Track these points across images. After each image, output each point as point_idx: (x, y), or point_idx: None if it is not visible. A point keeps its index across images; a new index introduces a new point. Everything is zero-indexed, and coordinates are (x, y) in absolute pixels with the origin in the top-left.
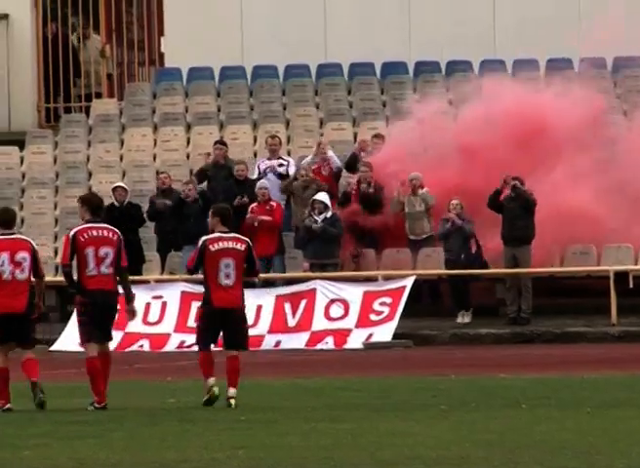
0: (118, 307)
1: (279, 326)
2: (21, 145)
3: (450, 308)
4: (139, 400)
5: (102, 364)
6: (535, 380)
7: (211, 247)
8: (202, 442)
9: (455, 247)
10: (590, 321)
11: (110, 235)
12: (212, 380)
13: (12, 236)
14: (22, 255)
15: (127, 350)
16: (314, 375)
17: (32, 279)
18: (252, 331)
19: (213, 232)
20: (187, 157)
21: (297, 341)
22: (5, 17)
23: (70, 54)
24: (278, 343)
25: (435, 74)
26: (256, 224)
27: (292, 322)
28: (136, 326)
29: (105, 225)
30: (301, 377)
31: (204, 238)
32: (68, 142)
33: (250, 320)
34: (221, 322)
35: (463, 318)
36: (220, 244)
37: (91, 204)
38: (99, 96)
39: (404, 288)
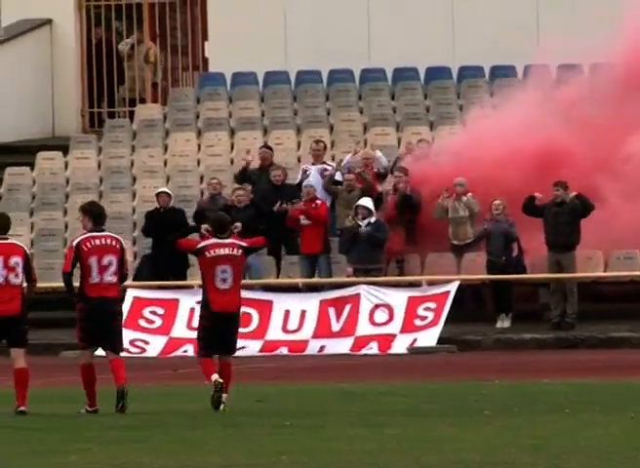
0: (122, 314)
1: (323, 331)
2: (65, 150)
3: (492, 313)
4: (182, 404)
5: (115, 368)
6: (578, 385)
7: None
8: (246, 447)
9: (496, 248)
10: (634, 326)
11: (113, 243)
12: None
13: (6, 241)
14: (16, 260)
15: (171, 355)
16: (358, 380)
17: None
18: (296, 336)
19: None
20: (231, 162)
21: (341, 346)
22: (49, 22)
23: (115, 58)
24: (322, 348)
25: (479, 79)
26: (303, 221)
27: (336, 327)
28: (180, 331)
29: (108, 234)
30: (346, 382)
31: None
32: (112, 147)
33: (294, 325)
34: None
35: (503, 322)
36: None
37: (92, 213)
38: (143, 101)
39: (448, 293)
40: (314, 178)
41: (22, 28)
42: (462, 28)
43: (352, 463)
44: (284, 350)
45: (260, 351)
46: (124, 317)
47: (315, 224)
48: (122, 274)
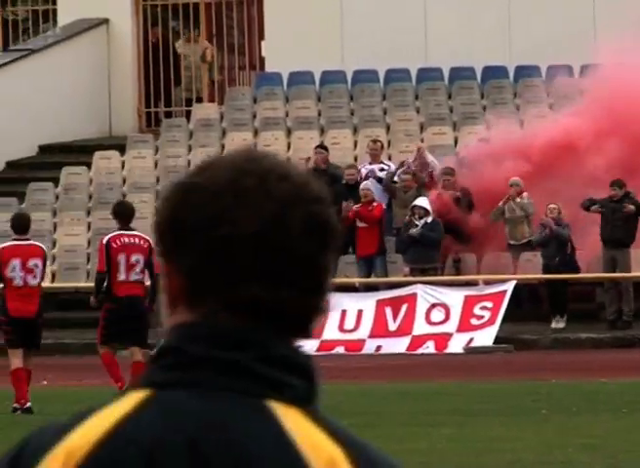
0: (147, 312)
1: (380, 330)
2: (122, 150)
3: (548, 313)
4: None
5: (135, 373)
6: (635, 385)
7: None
8: None
9: (551, 252)
10: None
11: (141, 242)
12: None
13: (26, 242)
14: (35, 262)
15: None
16: (414, 380)
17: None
18: (353, 336)
19: None
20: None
21: (397, 346)
22: (106, 21)
23: (171, 58)
24: (379, 348)
25: (535, 78)
26: (351, 205)
27: (393, 326)
28: None
29: (137, 233)
30: (402, 382)
31: None
32: (169, 147)
33: (351, 324)
34: None
35: (557, 323)
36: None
37: (119, 213)
38: (199, 100)
39: (505, 292)
40: (370, 179)
41: (79, 28)
42: (519, 27)
43: (406, 463)
44: (340, 349)
45: (317, 350)
46: None
47: (370, 226)
48: (151, 274)
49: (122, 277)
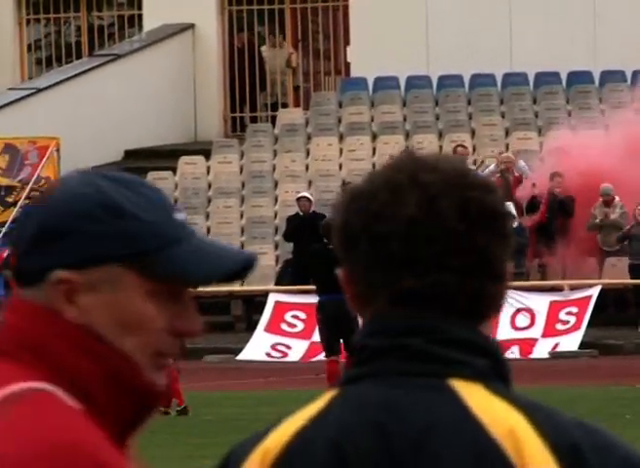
0: None
1: None
2: (208, 155)
3: (635, 317)
4: None
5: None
6: None
7: None
8: None
9: (638, 252)
10: None
11: None
12: None
13: None
14: None
15: (313, 359)
16: None
17: None
18: None
19: None
20: (373, 166)
21: None
22: (191, 26)
23: (257, 63)
24: None
25: (621, 83)
26: None
27: None
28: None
29: None
30: None
31: None
32: (254, 152)
33: None
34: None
35: None
36: None
37: None
38: (285, 105)
39: (590, 297)
40: None
41: (165, 33)
42: (604, 32)
43: None
44: None
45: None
46: (265, 322)
47: None
48: None
49: None
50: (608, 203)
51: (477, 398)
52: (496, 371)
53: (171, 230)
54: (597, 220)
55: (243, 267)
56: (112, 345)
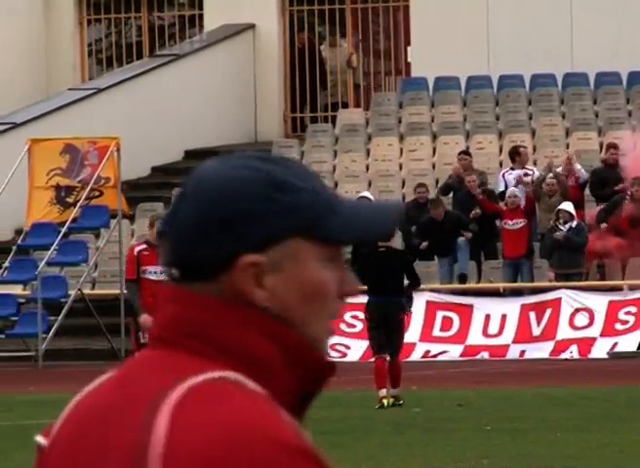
0: None
1: (524, 335)
2: None
3: None
4: (383, 410)
5: None
6: None
7: None
8: (446, 451)
9: None
10: None
11: None
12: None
13: None
14: None
15: (371, 359)
16: (559, 385)
17: None
18: (497, 341)
19: None
20: (433, 167)
21: (541, 351)
22: (252, 27)
23: (317, 63)
24: (523, 353)
25: None
26: (478, 213)
27: (536, 331)
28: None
29: None
30: (546, 387)
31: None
32: (314, 152)
33: (494, 329)
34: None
35: None
36: None
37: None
38: (345, 105)
39: None
40: (511, 184)
41: (225, 33)
42: None
43: None
44: (485, 354)
45: (461, 355)
46: None
47: (519, 229)
48: None
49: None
50: None
51: None
52: None
53: (330, 194)
54: None
55: (397, 217)
56: (294, 324)
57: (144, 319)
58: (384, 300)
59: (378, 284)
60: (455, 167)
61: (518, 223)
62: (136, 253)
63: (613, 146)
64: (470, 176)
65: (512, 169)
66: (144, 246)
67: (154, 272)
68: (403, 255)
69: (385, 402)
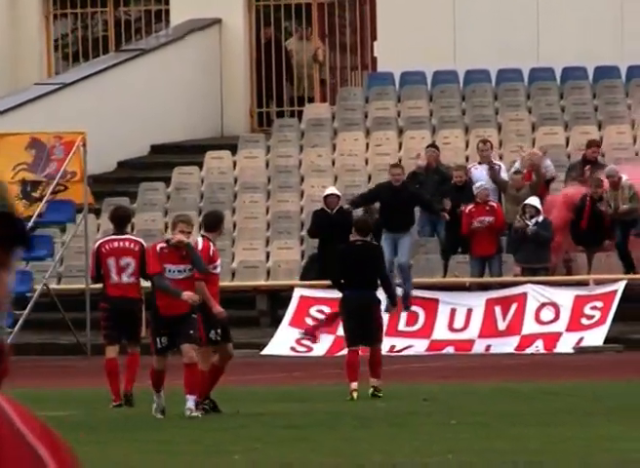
0: (142, 312)
1: (489, 330)
2: (234, 150)
3: None
4: (348, 404)
5: (130, 363)
6: None
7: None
8: (412, 446)
9: None
10: None
11: (132, 246)
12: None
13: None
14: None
15: (338, 354)
16: (524, 380)
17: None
18: (462, 335)
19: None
20: (399, 161)
21: (507, 345)
22: (218, 21)
23: (283, 58)
24: (488, 347)
25: None
26: (477, 225)
27: (502, 326)
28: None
29: (129, 237)
30: (511, 382)
31: None
32: (281, 147)
33: (460, 324)
34: None
35: None
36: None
37: (113, 218)
38: (311, 100)
39: (615, 292)
40: (481, 177)
41: (191, 28)
42: (631, 27)
43: (517, 463)
44: (450, 349)
45: (427, 350)
46: (290, 316)
47: (490, 228)
48: (145, 274)
49: (114, 280)
50: (615, 185)
51: None
52: None
53: None
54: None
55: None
56: None
57: (187, 295)
58: (360, 293)
59: (353, 277)
60: (428, 155)
61: (486, 221)
62: (158, 250)
63: (596, 145)
64: (458, 172)
65: (480, 163)
66: (164, 244)
67: (172, 271)
68: (378, 250)
69: (355, 395)
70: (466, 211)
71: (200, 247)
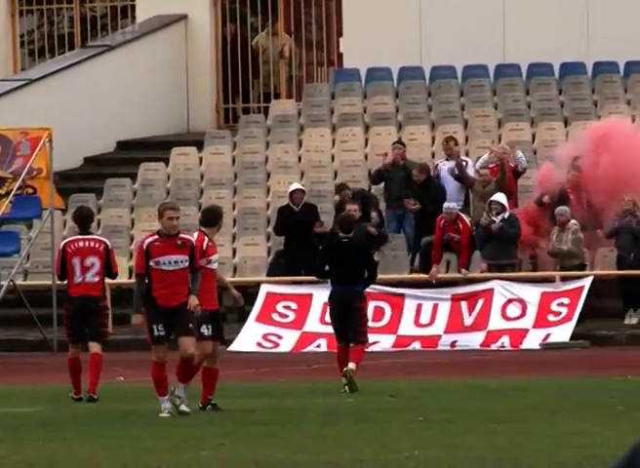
0: (107, 310)
1: (455, 325)
2: (200, 146)
3: (621, 309)
4: (316, 400)
5: (90, 366)
6: None
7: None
8: (378, 442)
9: (624, 244)
10: None
11: (97, 246)
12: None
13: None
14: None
15: (304, 350)
16: (491, 376)
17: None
18: (428, 331)
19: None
20: (366, 158)
21: (472, 341)
22: (184, 17)
23: (249, 54)
24: (454, 343)
25: (614, 75)
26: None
27: (468, 321)
28: (313, 325)
29: (93, 237)
30: (478, 378)
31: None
32: (247, 143)
33: (426, 319)
34: None
35: (631, 319)
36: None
37: (76, 218)
38: (277, 96)
39: (582, 288)
40: (446, 174)
41: (157, 24)
42: (598, 24)
43: (484, 459)
44: (417, 345)
45: (393, 346)
46: (256, 312)
47: (459, 241)
48: (111, 274)
49: (78, 279)
50: (563, 224)
51: None
52: None
53: None
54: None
55: None
56: None
57: (137, 319)
58: (345, 289)
59: (340, 273)
60: (395, 152)
61: (455, 238)
62: (145, 247)
63: None
64: (416, 171)
65: (447, 160)
66: (156, 236)
67: (167, 262)
68: (365, 247)
69: (348, 389)
70: (440, 224)
71: (194, 239)
